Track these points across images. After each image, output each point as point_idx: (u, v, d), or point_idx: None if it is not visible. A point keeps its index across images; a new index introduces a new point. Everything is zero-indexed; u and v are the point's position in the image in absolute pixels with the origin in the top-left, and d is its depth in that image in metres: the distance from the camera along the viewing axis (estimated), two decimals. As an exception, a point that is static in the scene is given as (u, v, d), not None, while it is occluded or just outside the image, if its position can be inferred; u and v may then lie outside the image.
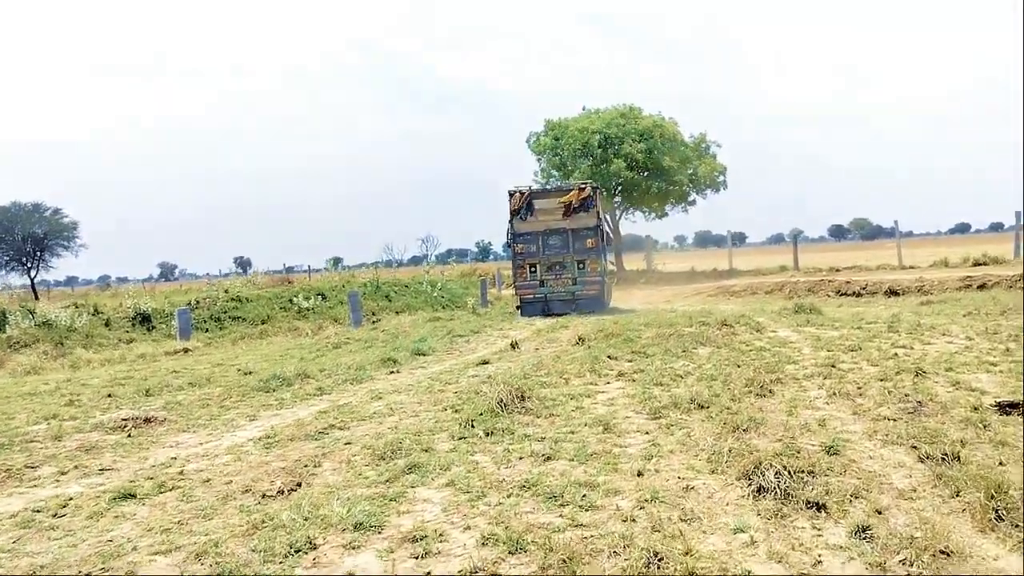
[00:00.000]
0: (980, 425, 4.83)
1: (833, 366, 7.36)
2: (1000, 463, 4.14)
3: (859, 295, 18.60)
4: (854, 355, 8.06)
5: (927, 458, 4.25)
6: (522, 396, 6.71)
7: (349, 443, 5.94)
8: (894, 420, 5.17)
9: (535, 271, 15.78)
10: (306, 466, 5.39)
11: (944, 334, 8.94)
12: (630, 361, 8.61)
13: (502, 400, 6.61)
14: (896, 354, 7.86)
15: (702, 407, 6.06)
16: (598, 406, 6.54)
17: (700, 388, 6.76)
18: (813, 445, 4.74)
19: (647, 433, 5.54)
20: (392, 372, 9.58)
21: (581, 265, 15.61)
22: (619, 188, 30.04)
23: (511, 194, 15.97)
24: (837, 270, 23.93)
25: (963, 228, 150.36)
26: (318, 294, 20.26)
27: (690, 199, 30.29)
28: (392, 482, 4.81)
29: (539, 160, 30.55)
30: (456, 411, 6.80)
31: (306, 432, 6.41)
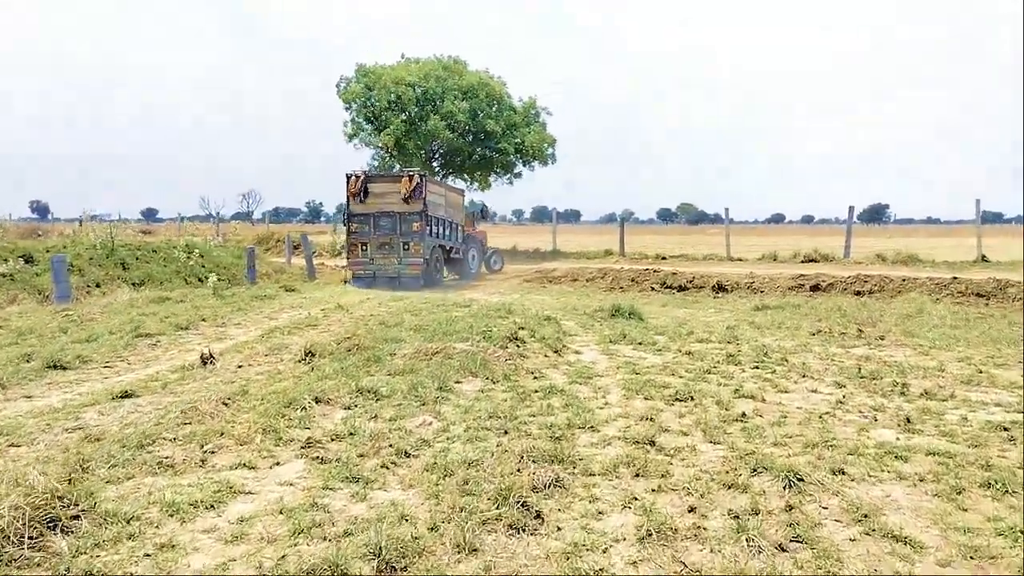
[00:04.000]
0: None
1: (652, 443, 4.53)
2: None
3: (685, 289, 16.67)
4: (682, 411, 5.35)
5: None
6: (51, 523, 3.32)
7: None
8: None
9: (366, 249, 17.19)
10: None
11: (803, 375, 6.47)
12: (348, 408, 5.43)
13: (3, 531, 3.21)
14: (743, 415, 5.20)
15: (391, 568, 2.96)
16: (203, 543, 3.28)
17: (416, 502, 3.68)
18: None
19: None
20: (-36, 408, 5.80)
21: (406, 246, 17.01)
22: (438, 152, 26.84)
23: (348, 177, 17.18)
24: (663, 258, 22.21)
25: (778, 219, 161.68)
26: (21, 256, 15.46)
27: (516, 170, 27.63)
28: None
29: (349, 110, 26.65)
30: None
31: None
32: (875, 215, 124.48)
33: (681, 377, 6.47)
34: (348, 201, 17.25)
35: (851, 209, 20.58)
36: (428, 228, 17.17)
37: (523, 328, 9.02)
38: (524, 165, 27.53)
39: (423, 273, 17.31)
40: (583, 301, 13.87)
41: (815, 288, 15.33)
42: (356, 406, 5.48)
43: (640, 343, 8.17)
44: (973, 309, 11.60)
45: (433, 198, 17.57)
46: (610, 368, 6.92)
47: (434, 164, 27.02)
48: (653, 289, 16.79)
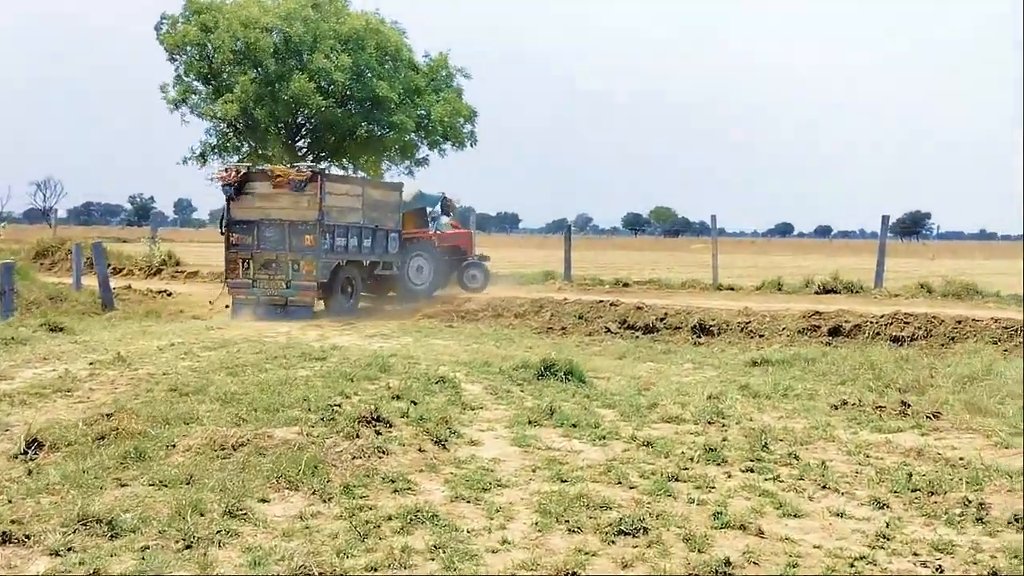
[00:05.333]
0: None
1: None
2: None
3: (654, 331, 16.05)
4: (627, 556, 4.65)
5: None
6: None
7: None
8: None
9: (248, 268, 17.41)
10: None
11: (824, 485, 5.71)
12: (54, 554, 4.49)
13: None
14: (727, 564, 4.44)
15: None
16: None
17: None
18: None
19: None
20: None
21: (296, 266, 17.25)
22: (305, 127, 25.93)
23: (227, 171, 17.84)
24: (626, 284, 21.69)
25: (784, 230, 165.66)
26: None
27: (419, 154, 26.98)
28: None
29: (175, 62, 25.41)
30: None
31: None
32: (912, 226, 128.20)
33: (632, 488, 5.69)
34: (227, 203, 17.74)
35: (885, 220, 20.38)
36: (327, 242, 17.52)
37: (398, 397, 8.26)
38: (431, 147, 26.87)
39: (327, 299, 17.99)
40: (503, 350, 13.05)
41: (835, 332, 14.89)
42: (71, 550, 4.49)
43: (575, 425, 7.37)
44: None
45: (337, 200, 17.87)
46: (522, 471, 6.09)
47: (299, 144, 26.09)
48: (608, 331, 16.12)
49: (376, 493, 5.50)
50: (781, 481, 5.82)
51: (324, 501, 5.32)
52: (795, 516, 5.16)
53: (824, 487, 5.67)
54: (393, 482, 5.69)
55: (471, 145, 27.12)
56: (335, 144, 25.90)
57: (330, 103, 24.27)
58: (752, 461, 6.26)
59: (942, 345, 13.64)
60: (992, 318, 14.25)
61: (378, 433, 6.64)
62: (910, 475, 5.78)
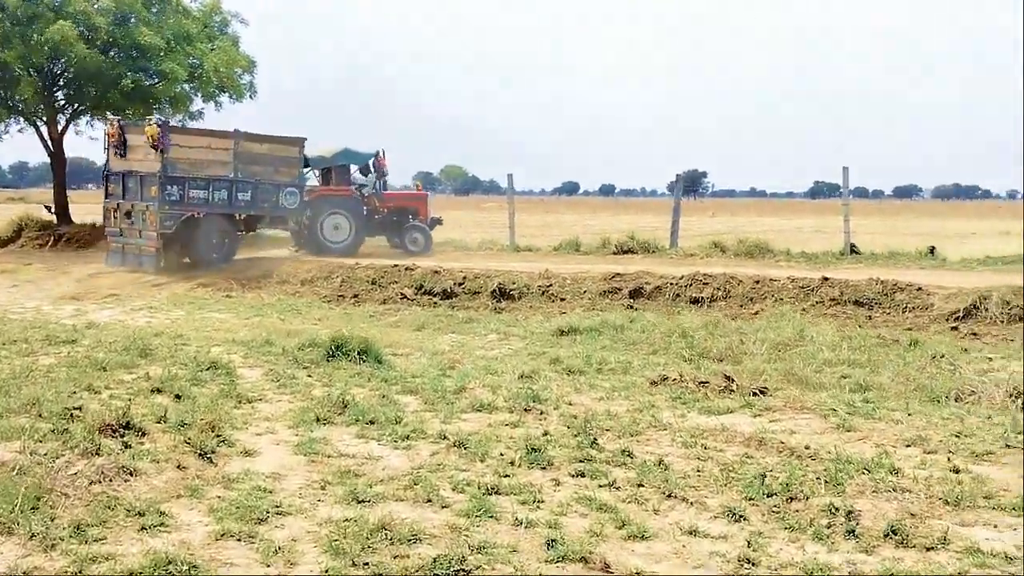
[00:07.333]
0: None
1: None
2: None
3: (453, 296, 15.25)
4: None
5: None
6: None
7: None
8: None
9: (116, 217, 18.64)
10: None
11: (668, 492, 4.86)
12: None
13: None
14: None
15: None
16: None
17: None
18: None
19: None
20: None
21: (144, 216, 18.12)
22: (63, 76, 23.42)
23: (111, 129, 18.72)
24: (421, 247, 20.93)
25: (571, 188, 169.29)
26: None
27: (192, 106, 24.99)
28: None
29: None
30: None
31: None
32: (691, 184, 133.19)
33: (445, 507, 4.64)
34: (108, 155, 18.76)
35: (678, 179, 20.37)
36: (172, 193, 17.98)
37: (159, 391, 6.94)
38: (206, 99, 24.92)
39: (187, 251, 18.51)
40: (289, 324, 11.82)
41: (636, 294, 14.48)
42: None
43: (372, 421, 6.26)
44: (860, 328, 11.04)
45: (188, 153, 18.30)
46: (309, 489, 4.93)
47: (57, 95, 23.53)
48: (404, 297, 15.15)
49: (117, 533, 4.21)
50: (618, 489, 4.90)
51: (45, 550, 3.98)
52: (642, 538, 4.24)
53: (669, 495, 4.77)
54: (141, 515, 4.40)
55: (250, 97, 25.34)
56: (98, 95, 23.51)
57: (91, 50, 21.90)
58: (582, 462, 5.32)
59: (741, 306, 13.40)
60: (789, 277, 14.13)
61: (126, 446, 5.30)
62: (763, 476, 4.96)
